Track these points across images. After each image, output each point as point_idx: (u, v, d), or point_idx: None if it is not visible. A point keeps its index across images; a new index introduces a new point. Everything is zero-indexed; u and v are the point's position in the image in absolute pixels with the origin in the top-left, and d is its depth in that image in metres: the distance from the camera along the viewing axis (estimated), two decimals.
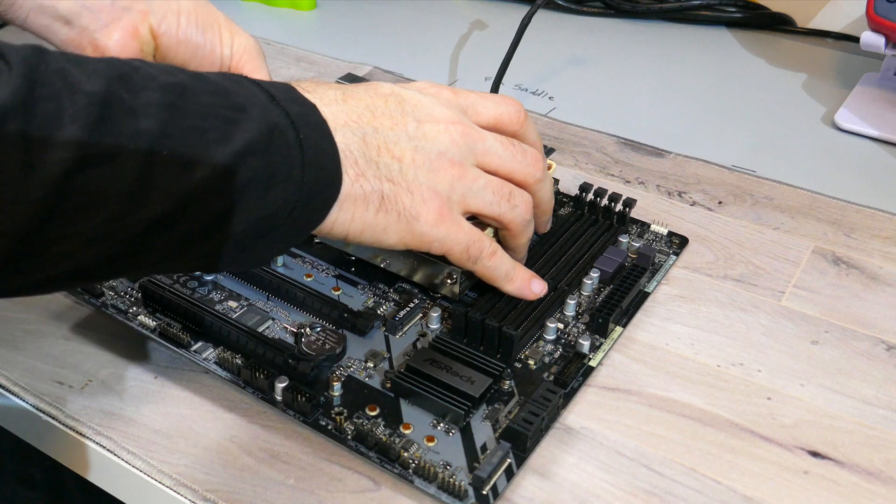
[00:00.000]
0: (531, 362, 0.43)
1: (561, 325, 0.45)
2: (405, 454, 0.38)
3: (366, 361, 0.43)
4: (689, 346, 0.45)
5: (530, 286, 0.44)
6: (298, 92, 0.37)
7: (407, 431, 0.39)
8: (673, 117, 0.67)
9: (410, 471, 0.38)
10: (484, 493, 0.37)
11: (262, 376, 0.41)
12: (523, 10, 0.83)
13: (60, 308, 0.47)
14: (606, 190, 0.52)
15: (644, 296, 0.48)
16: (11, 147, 0.29)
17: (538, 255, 0.48)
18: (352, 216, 0.38)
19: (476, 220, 0.43)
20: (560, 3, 0.82)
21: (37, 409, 0.42)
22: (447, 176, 0.40)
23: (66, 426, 0.41)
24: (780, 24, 0.80)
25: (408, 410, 0.41)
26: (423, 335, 0.44)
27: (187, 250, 0.34)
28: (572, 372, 0.42)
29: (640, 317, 0.47)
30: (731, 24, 0.81)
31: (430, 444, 0.39)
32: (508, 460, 0.38)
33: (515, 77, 0.71)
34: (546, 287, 0.45)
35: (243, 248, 0.35)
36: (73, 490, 0.57)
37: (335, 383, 0.41)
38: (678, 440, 0.40)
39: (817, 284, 0.50)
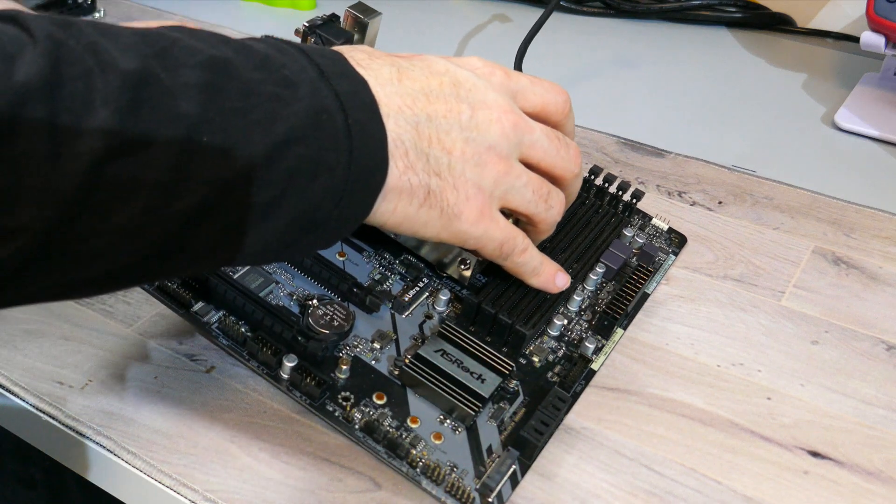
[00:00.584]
0: (535, 359, 0.43)
1: (565, 322, 0.45)
2: (413, 451, 0.38)
3: (372, 342, 0.42)
4: (689, 346, 0.46)
5: (555, 280, 0.44)
6: (350, 65, 0.35)
7: (414, 426, 0.39)
8: (673, 117, 0.67)
9: (418, 470, 0.37)
10: (490, 500, 0.37)
11: (268, 351, 0.39)
12: (523, 10, 0.83)
13: (60, 308, 0.47)
14: (616, 177, 0.51)
15: (644, 296, 0.48)
16: (36, 133, 0.26)
17: (544, 242, 0.47)
18: (394, 208, 0.36)
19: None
20: (560, 3, 0.82)
21: (37, 409, 0.42)
22: (493, 172, 0.39)
23: (66, 426, 0.41)
24: (780, 24, 0.80)
25: (414, 402, 0.40)
26: (430, 317, 0.44)
27: (227, 245, 0.32)
28: (576, 375, 0.42)
29: (640, 317, 0.47)
30: (731, 24, 0.81)
31: (438, 443, 0.38)
32: (514, 467, 0.38)
33: None
34: (569, 280, 0.44)
35: (287, 244, 0.33)
36: (73, 490, 0.57)
37: (344, 366, 0.40)
38: (678, 440, 0.40)
39: (817, 284, 0.50)
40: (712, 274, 0.50)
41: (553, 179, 0.42)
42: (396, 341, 0.42)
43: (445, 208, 0.38)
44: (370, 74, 0.35)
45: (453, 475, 0.37)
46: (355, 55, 0.36)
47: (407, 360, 0.40)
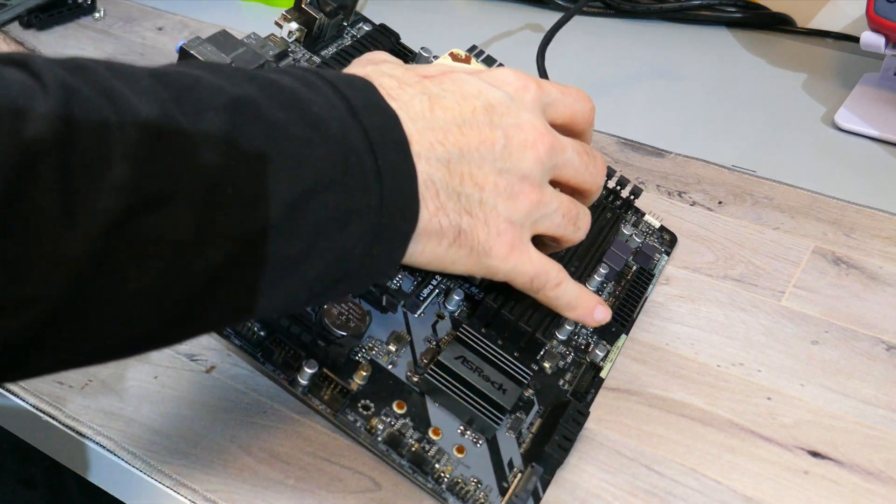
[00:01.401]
0: (547, 365, 0.42)
1: (573, 326, 0.44)
2: (438, 466, 0.37)
3: (388, 344, 0.40)
4: (689, 346, 0.45)
5: (593, 315, 0.41)
6: (380, 95, 0.33)
7: (436, 438, 0.38)
8: (673, 117, 0.67)
9: (444, 486, 0.37)
10: None
11: (285, 355, 0.38)
12: (523, 10, 0.83)
13: None
14: (615, 171, 0.51)
15: (644, 300, 0.48)
16: (48, 194, 0.24)
17: None
18: (422, 249, 0.35)
19: None
20: (560, 3, 0.82)
21: (37, 409, 0.42)
22: (525, 203, 0.37)
23: (66, 426, 0.41)
24: (780, 24, 0.80)
25: (434, 410, 0.39)
26: (441, 317, 0.43)
27: (252, 302, 0.30)
28: (587, 383, 0.42)
29: (640, 317, 0.47)
30: (731, 24, 0.80)
31: (460, 456, 0.38)
32: (538, 484, 0.38)
33: None
34: (609, 314, 0.42)
35: (315, 295, 0.32)
36: (73, 490, 0.57)
37: (364, 372, 0.39)
38: (678, 440, 0.40)
39: (817, 284, 0.50)
40: (712, 274, 0.50)
41: (580, 192, 0.41)
42: (411, 343, 0.41)
43: (475, 246, 0.36)
44: (401, 107, 0.34)
45: (478, 492, 0.37)
46: (384, 82, 0.35)
47: (428, 367, 0.40)
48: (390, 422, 0.38)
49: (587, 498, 0.38)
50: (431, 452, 0.38)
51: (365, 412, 0.38)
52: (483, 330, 0.42)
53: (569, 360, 0.43)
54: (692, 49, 0.77)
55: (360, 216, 0.31)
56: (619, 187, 0.51)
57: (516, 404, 0.40)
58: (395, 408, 0.39)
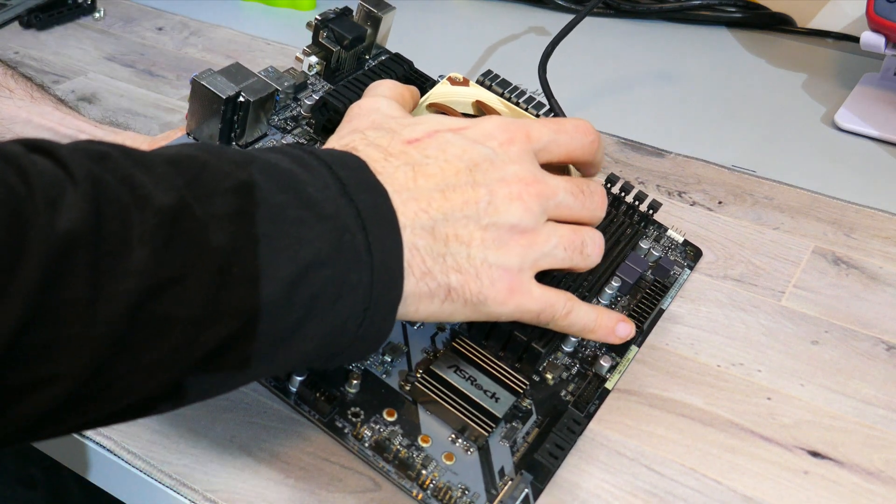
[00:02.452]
0: (549, 377, 0.42)
1: (576, 338, 0.43)
2: (424, 472, 0.37)
3: (383, 354, 0.41)
4: (689, 346, 0.45)
5: (615, 333, 0.41)
6: (370, 172, 0.35)
7: (425, 445, 0.38)
8: (673, 117, 0.67)
9: (429, 492, 0.37)
10: None
11: None
12: (523, 10, 0.83)
13: None
14: (633, 186, 0.50)
15: (660, 313, 0.47)
16: (80, 280, 0.26)
17: None
18: (416, 309, 0.36)
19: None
20: (560, 3, 0.82)
21: None
22: (518, 248, 0.38)
23: None
24: (780, 24, 0.80)
25: (426, 419, 0.39)
26: (442, 329, 0.43)
27: (251, 370, 0.31)
28: (590, 395, 0.42)
29: None
30: (731, 24, 0.81)
31: (449, 463, 0.38)
32: (527, 491, 0.37)
33: (515, 77, 0.71)
34: (633, 330, 0.41)
35: (311, 362, 0.34)
36: (73, 490, 0.57)
37: (354, 381, 0.39)
38: (678, 440, 0.40)
39: (817, 284, 0.50)
40: (712, 274, 0.50)
41: (581, 224, 0.41)
42: (408, 354, 0.41)
43: (469, 298, 0.37)
44: (386, 181, 0.35)
45: (464, 498, 0.37)
46: (371, 154, 0.36)
47: (419, 375, 0.40)
48: (379, 429, 0.38)
49: (587, 498, 0.38)
50: (419, 459, 0.38)
51: (354, 419, 0.38)
52: (483, 342, 0.42)
53: (573, 371, 0.43)
54: (692, 49, 0.77)
55: (353, 290, 0.32)
56: (637, 202, 0.50)
57: (510, 413, 0.40)
58: (385, 415, 0.39)
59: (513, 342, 0.41)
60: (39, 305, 0.25)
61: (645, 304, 0.46)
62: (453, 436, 0.39)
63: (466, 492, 0.37)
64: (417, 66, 0.55)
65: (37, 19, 0.76)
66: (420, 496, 0.37)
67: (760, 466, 0.39)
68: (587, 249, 0.40)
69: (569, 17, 0.82)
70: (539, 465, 0.38)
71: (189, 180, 0.30)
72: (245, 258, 0.30)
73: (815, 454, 0.40)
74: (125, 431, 0.41)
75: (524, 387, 0.40)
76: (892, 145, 0.63)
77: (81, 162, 0.28)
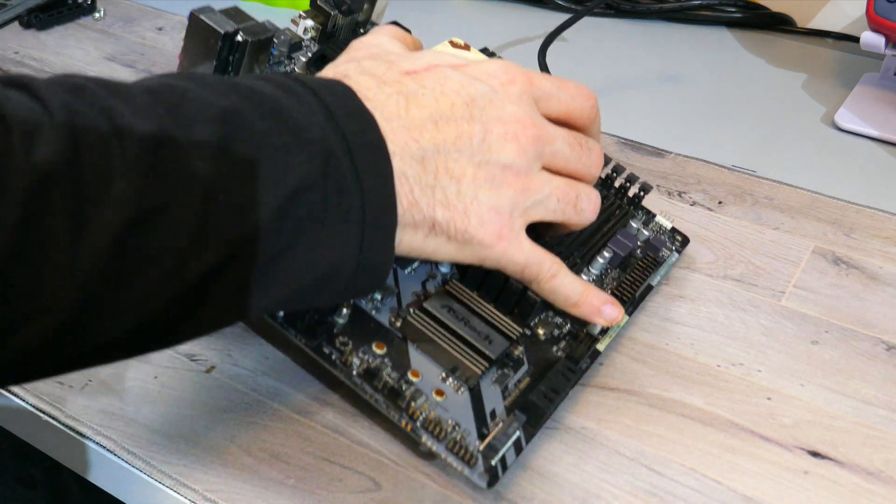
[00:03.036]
0: (541, 332, 0.41)
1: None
2: (414, 404, 0.36)
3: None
4: (689, 346, 0.46)
5: (601, 313, 0.41)
6: (358, 99, 0.34)
7: (415, 379, 0.37)
8: (673, 117, 0.67)
9: (418, 423, 0.36)
10: (493, 463, 0.36)
11: None
12: (523, 10, 0.83)
13: None
14: (624, 168, 0.50)
15: (648, 288, 0.47)
16: (61, 212, 0.26)
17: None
18: (399, 240, 0.35)
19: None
20: (560, 3, 0.82)
21: (37, 409, 0.42)
22: (510, 191, 0.37)
23: (66, 426, 0.41)
24: (780, 24, 0.80)
25: (416, 356, 0.38)
26: (433, 276, 0.42)
27: (247, 301, 0.31)
28: (582, 352, 0.41)
29: (640, 317, 0.47)
30: (731, 24, 0.80)
31: (440, 399, 0.37)
32: (519, 432, 0.37)
33: None
34: (621, 314, 0.41)
35: (310, 295, 0.33)
36: (73, 490, 0.57)
37: (344, 308, 0.38)
38: (678, 440, 0.40)
39: (817, 284, 0.50)
40: (712, 274, 0.50)
41: (575, 179, 0.40)
42: (398, 295, 0.40)
43: (454, 235, 0.36)
44: (375, 108, 0.35)
45: (455, 433, 0.36)
46: (362, 81, 0.36)
47: (411, 312, 0.39)
48: (367, 359, 0.38)
49: (587, 498, 0.38)
50: (409, 391, 0.37)
51: (343, 347, 0.37)
52: (477, 290, 0.41)
53: (565, 329, 0.42)
54: (692, 49, 0.77)
55: (343, 216, 0.32)
56: (627, 183, 0.50)
57: (503, 358, 0.39)
58: (374, 348, 0.38)
59: (507, 291, 0.40)
60: (21, 240, 0.25)
61: (635, 276, 0.46)
62: (444, 375, 0.38)
63: (457, 427, 0.36)
64: None
65: (37, 19, 0.76)
66: (409, 427, 0.36)
67: (760, 466, 0.39)
68: (581, 204, 0.40)
69: (569, 17, 0.83)
70: (534, 405, 0.37)
71: (170, 108, 0.29)
72: (230, 185, 0.29)
73: (815, 454, 0.40)
74: (125, 431, 0.41)
75: (518, 333, 0.39)
76: (892, 145, 0.63)
77: (58, 95, 0.27)
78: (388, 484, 0.38)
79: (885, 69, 0.69)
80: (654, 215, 0.52)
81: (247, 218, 0.30)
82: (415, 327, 0.39)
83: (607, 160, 0.50)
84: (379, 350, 0.38)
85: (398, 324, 0.39)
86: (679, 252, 0.51)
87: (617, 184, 0.50)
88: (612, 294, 0.44)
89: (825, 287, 0.50)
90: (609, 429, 0.41)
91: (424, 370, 0.38)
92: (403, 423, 0.36)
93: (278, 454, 0.40)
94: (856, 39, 0.70)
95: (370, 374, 0.37)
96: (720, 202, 0.57)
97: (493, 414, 0.38)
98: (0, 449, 0.58)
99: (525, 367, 0.40)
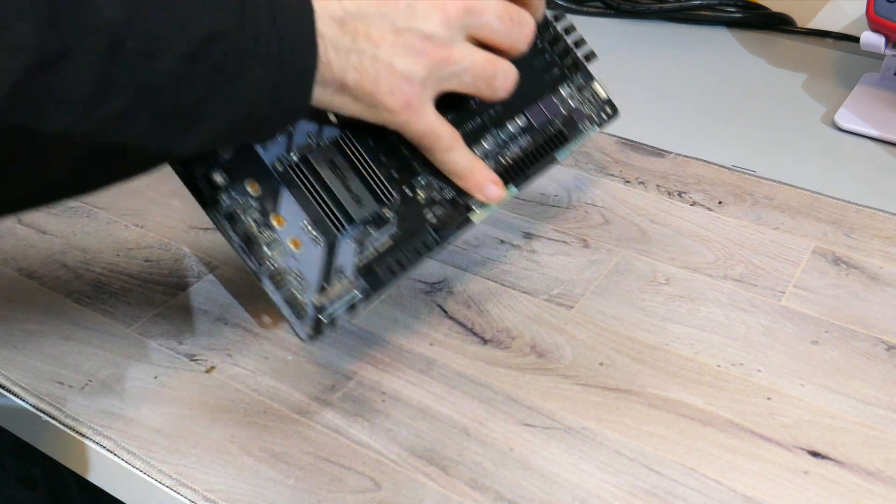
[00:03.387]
0: (421, 195, 0.42)
1: None
2: (266, 251, 0.38)
3: None
4: (689, 346, 0.46)
5: (483, 190, 0.43)
6: None
7: (277, 225, 0.39)
8: (673, 117, 0.67)
9: (264, 270, 0.38)
10: (322, 318, 0.38)
11: None
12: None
13: (60, 308, 0.47)
14: (575, 29, 0.50)
15: (553, 161, 0.47)
16: None
17: None
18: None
19: None
20: (560, 3, 0.82)
21: (37, 409, 0.42)
22: (427, 61, 0.37)
23: (66, 426, 0.41)
24: (780, 24, 0.80)
25: (287, 200, 0.39)
26: (331, 124, 0.41)
27: (162, 147, 0.32)
28: (452, 221, 0.42)
29: (639, 316, 0.47)
30: (731, 24, 0.81)
31: (294, 249, 0.39)
32: (357, 296, 0.38)
33: None
34: (502, 194, 0.43)
35: (228, 140, 0.35)
36: (73, 490, 0.57)
37: None
38: (678, 440, 0.41)
39: (817, 284, 0.50)
40: (712, 274, 0.50)
41: (502, 52, 0.41)
42: (291, 135, 0.40)
43: (361, 96, 0.37)
44: None
45: (297, 284, 0.38)
46: None
47: (294, 158, 0.40)
48: (238, 199, 0.38)
49: (587, 498, 0.38)
50: (266, 237, 0.38)
51: (215, 184, 0.38)
52: (371, 143, 0.41)
53: (446, 195, 0.43)
54: (692, 49, 0.77)
55: (260, 62, 0.32)
56: (575, 46, 0.50)
57: (370, 218, 0.40)
58: (248, 187, 0.39)
59: (394, 155, 0.41)
60: None
61: (542, 150, 0.46)
62: (307, 224, 0.39)
63: (300, 279, 0.38)
64: None
65: None
66: (255, 272, 0.37)
67: (760, 466, 0.39)
68: (497, 83, 0.40)
69: (569, 18, 0.83)
70: (375, 275, 0.38)
71: None
72: (139, 31, 0.29)
73: (815, 454, 0.40)
74: (125, 431, 0.41)
75: (391, 200, 0.40)
76: (892, 145, 0.63)
77: None
78: (388, 484, 0.38)
79: (885, 69, 0.69)
80: (593, 80, 0.50)
81: (155, 65, 0.29)
82: (292, 175, 0.39)
83: (560, 18, 0.50)
84: (252, 190, 0.38)
85: (279, 168, 0.40)
86: (600, 126, 0.50)
87: (561, 46, 0.50)
88: (511, 163, 0.45)
89: (825, 287, 0.50)
90: (609, 429, 0.41)
91: (290, 218, 0.39)
92: (252, 267, 0.38)
93: (278, 454, 0.40)
94: (856, 39, 0.71)
95: (232, 218, 0.38)
96: (720, 202, 0.57)
97: (341, 271, 0.39)
98: (0, 449, 0.58)
99: (392, 230, 0.41)
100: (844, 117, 0.65)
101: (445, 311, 0.47)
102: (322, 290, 0.38)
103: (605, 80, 0.72)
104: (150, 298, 0.48)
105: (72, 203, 0.55)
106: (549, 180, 0.58)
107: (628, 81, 0.72)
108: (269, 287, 0.37)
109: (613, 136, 0.64)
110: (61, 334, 0.46)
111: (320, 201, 0.39)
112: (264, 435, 0.40)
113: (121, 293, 0.48)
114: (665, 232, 0.54)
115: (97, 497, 0.45)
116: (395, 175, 0.41)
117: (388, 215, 0.41)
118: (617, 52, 0.76)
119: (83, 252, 0.52)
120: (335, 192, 0.40)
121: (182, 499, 0.38)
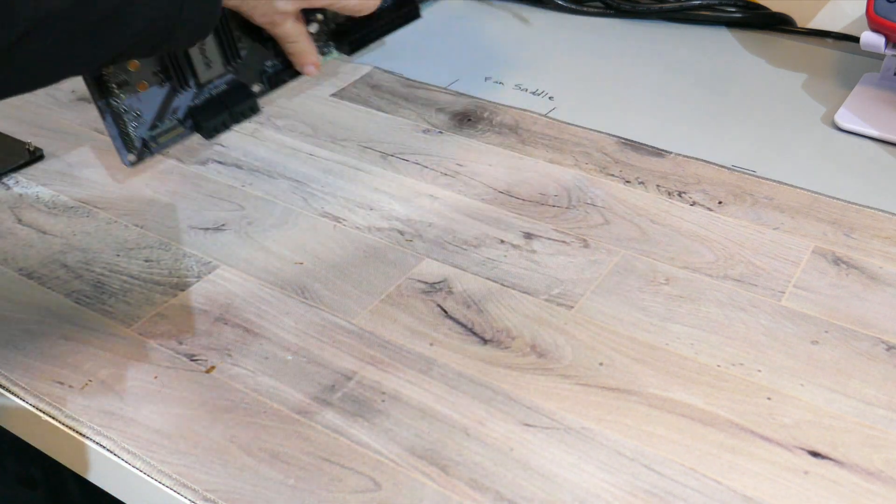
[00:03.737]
0: (268, 64, 0.51)
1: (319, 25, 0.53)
2: (117, 91, 0.44)
3: None
4: (689, 346, 0.46)
5: (304, 66, 0.53)
6: None
7: (132, 69, 0.44)
8: (673, 117, 0.67)
9: (108, 107, 0.44)
10: (149, 149, 0.46)
11: None
12: (523, 10, 0.83)
13: (60, 308, 0.47)
14: None
15: (387, 33, 0.56)
16: None
17: None
18: None
19: None
20: (560, 3, 0.82)
21: (37, 409, 0.42)
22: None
23: (66, 426, 0.41)
24: (780, 24, 0.80)
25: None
26: None
27: (81, 49, 0.37)
28: (278, 80, 0.52)
29: (639, 316, 0.47)
30: (731, 24, 0.80)
31: (141, 91, 0.45)
32: (184, 136, 0.47)
33: (515, 77, 0.71)
34: (316, 71, 0.53)
35: (150, 47, 0.39)
36: (73, 490, 0.57)
37: None
38: (678, 440, 0.40)
39: (817, 284, 0.50)
40: (712, 274, 0.50)
41: None
42: None
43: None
44: None
45: (133, 122, 0.45)
46: None
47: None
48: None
49: (587, 498, 0.38)
50: (117, 79, 0.44)
51: None
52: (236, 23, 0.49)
53: (279, 62, 0.52)
54: (692, 49, 0.77)
55: None
56: None
57: (211, 78, 0.48)
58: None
59: (256, 33, 0.49)
60: None
61: (382, 24, 0.55)
62: (160, 73, 0.46)
63: (138, 116, 0.45)
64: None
65: None
66: (100, 108, 0.44)
67: (760, 466, 0.39)
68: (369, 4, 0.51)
69: (569, 18, 0.83)
70: (203, 129, 0.48)
71: None
72: None
73: (815, 454, 0.40)
74: (125, 431, 0.41)
75: (236, 59, 0.48)
76: (892, 145, 0.63)
77: None
78: (388, 484, 0.38)
79: (885, 69, 0.69)
80: None
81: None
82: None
83: None
84: (132, 69, 0.45)
85: None
86: None
87: None
88: (341, 29, 0.54)
89: (825, 287, 0.50)
90: (609, 429, 0.41)
91: (144, 64, 0.45)
92: (100, 105, 0.44)
93: (278, 454, 0.40)
94: (856, 39, 0.71)
95: (100, 83, 0.44)
96: (720, 202, 0.57)
97: (176, 112, 0.47)
98: (0, 449, 0.58)
99: (224, 88, 0.49)
100: (844, 117, 0.65)
101: (445, 311, 0.47)
102: (154, 127, 0.45)
103: (606, 80, 0.72)
104: (150, 298, 0.48)
105: (72, 203, 0.55)
106: (549, 180, 0.58)
107: (628, 81, 0.72)
108: (109, 126, 0.44)
109: (613, 136, 0.64)
110: (61, 334, 0.46)
111: (172, 57, 0.46)
112: (264, 435, 0.40)
113: (121, 293, 0.48)
114: (665, 232, 0.54)
115: (97, 497, 0.45)
116: (255, 40, 0.50)
117: (229, 70, 0.49)
118: (617, 52, 0.76)
119: (83, 252, 0.52)
120: (189, 54, 0.46)
121: (182, 499, 0.38)
